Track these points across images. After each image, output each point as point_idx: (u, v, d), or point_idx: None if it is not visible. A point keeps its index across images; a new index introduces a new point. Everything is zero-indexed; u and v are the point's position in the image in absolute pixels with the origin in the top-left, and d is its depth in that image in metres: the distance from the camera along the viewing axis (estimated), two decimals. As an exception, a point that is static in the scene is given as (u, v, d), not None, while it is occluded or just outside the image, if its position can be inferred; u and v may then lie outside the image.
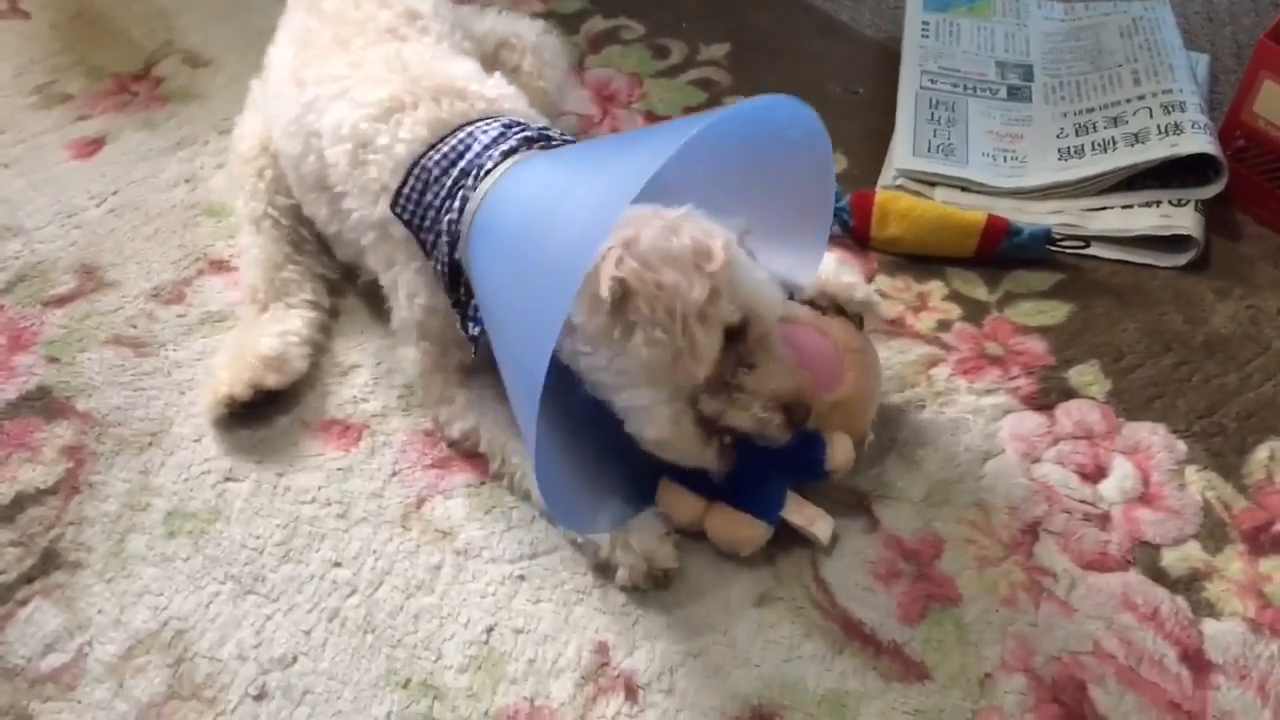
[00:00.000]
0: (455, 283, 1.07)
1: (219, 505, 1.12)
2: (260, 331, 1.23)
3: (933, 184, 1.45)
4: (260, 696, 0.98)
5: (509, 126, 1.08)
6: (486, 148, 1.05)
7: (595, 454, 1.06)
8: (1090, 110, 1.51)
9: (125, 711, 0.97)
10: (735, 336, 0.98)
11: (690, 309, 0.93)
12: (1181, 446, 1.16)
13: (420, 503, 1.12)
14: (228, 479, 1.15)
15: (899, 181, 1.45)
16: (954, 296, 1.33)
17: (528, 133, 1.07)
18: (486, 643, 1.01)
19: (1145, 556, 1.07)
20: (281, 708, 0.97)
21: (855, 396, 1.09)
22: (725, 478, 1.03)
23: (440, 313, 1.13)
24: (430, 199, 1.07)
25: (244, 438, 1.18)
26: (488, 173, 1.03)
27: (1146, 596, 1.04)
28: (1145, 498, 1.12)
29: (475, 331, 1.07)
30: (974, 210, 1.37)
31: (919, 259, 1.36)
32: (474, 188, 1.03)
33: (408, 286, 1.14)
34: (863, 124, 1.57)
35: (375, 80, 1.14)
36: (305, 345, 1.24)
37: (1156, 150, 1.39)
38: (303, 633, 1.02)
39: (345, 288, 1.34)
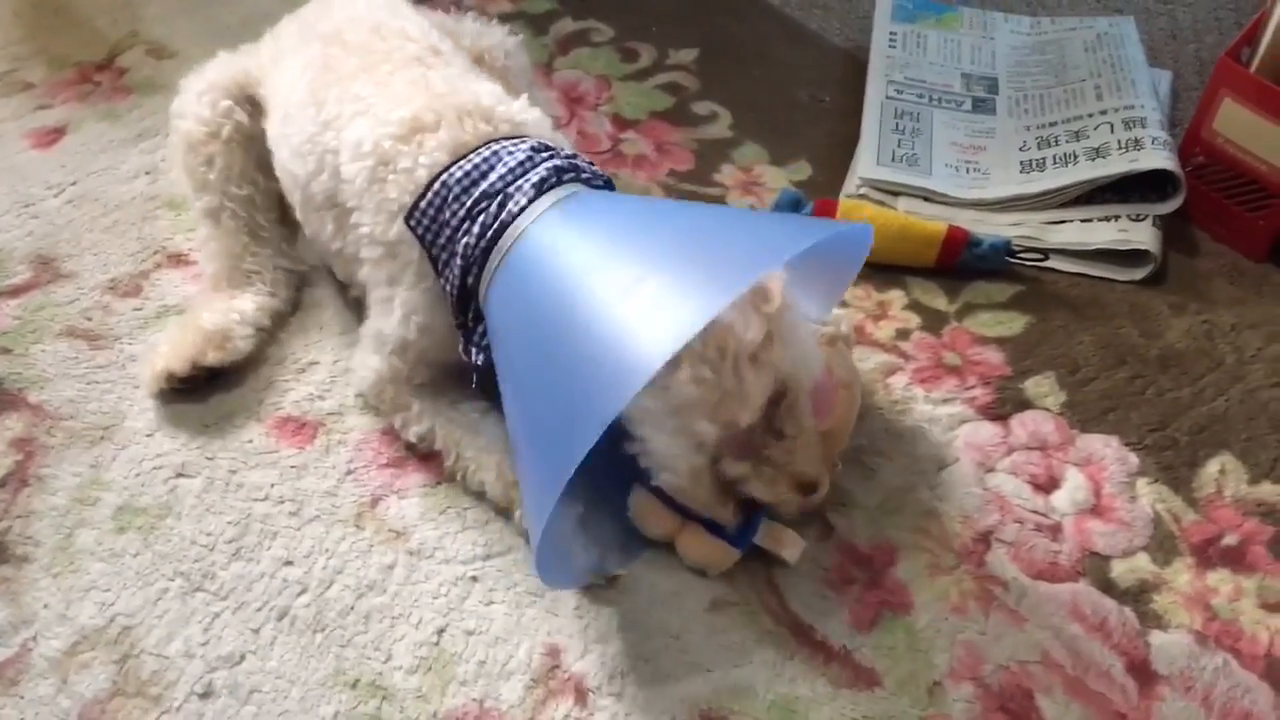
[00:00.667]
0: (464, 306, 1.05)
1: (170, 501, 1.11)
2: (207, 309, 1.23)
3: (896, 193, 1.46)
4: (206, 695, 0.97)
5: (537, 150, 1.05)
6: (513, 172, 1.02)
7: (588, 496, 1.06)
8: (1053, 124, 1.53)
9: (68, 708, 0.96)
10: (772, 400, 0.96)
11: (744, 349, 0.91)
12: (1133, 459, 1.18)
13: (374, 502, 1.11)
14: (180, 475, 1.14)
15: (862, 190, 1.46)
16: (914, 306, 1.34)
17: (557, 161, 1.03)
18: (437, 644, 1.00)
19: (1095, 567, 1.08)
20: (228, 706, 0.96)
21: (839, 429, 1.10)
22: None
23: (436, 333, 1.11)
24: (447, 217, 1.04)
25: (197, 432, 1.17)
26: (522, 209, 0.99)
27: (1095, 607, 1.05)
28: (1096, 509, 1.13)
29: (479, 360, 1.04)
30: (935, 221, 1.37)
31: (880, 268, 1.37)
32: (498, 216, 1.00)
33: (407, 305, 1.10)
34: (828, 132, 1.58)
35: (399, 99, 1.11)
36: (250, 327, 1.23)
37: (1116, 165, 1.41)
38: (251, 631, 1.01)
39: (310, 281, 1.33)
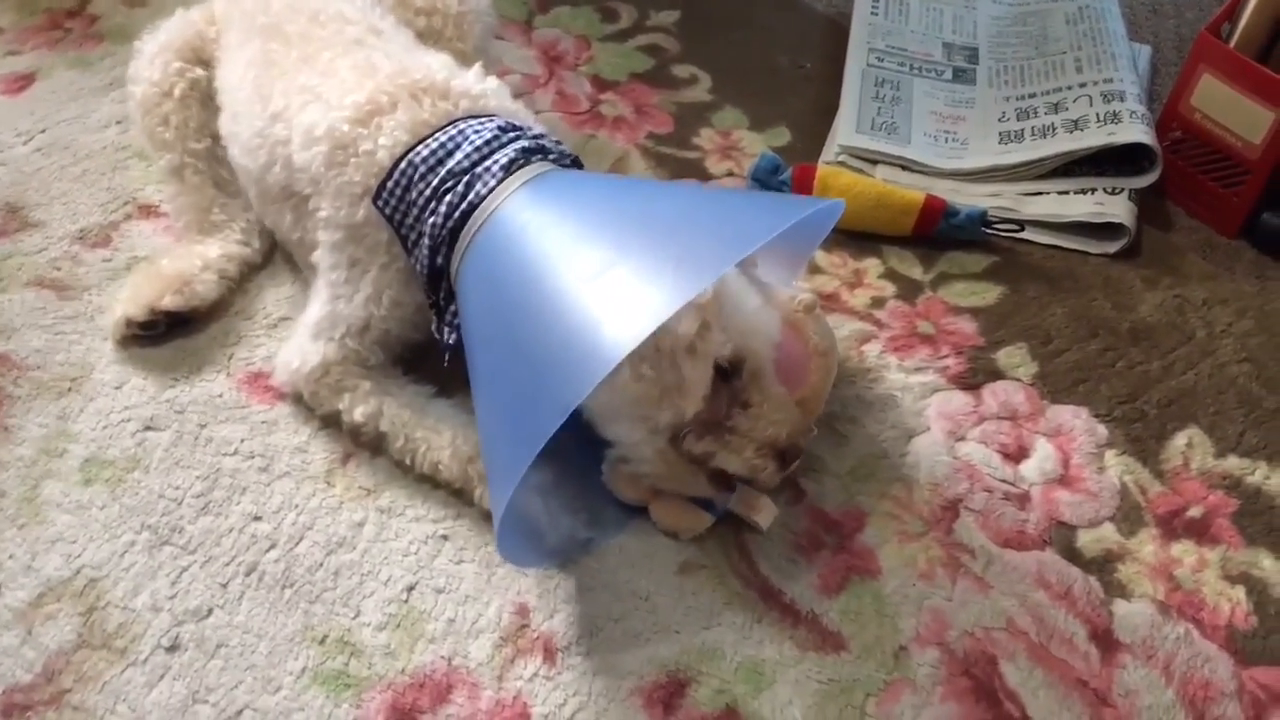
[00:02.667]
0: (435, 285, 1.04)
1: (138, 454, 1.10)
2: (169, 255, 1.23)
3: (874, 162, 1.45)
4: (173, 648, 0.97)
5: (504, 130, 1.04)
6: (479, 151, 1.01)
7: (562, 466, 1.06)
8: (1032, 95, 1.52)
9: (33, 659, 0.95)
10: (729, 372, 0.97)
11: (679, 343, 0.92)
12: (1102, 430, 1.18)
13: (345, 459, 1.11)
14: (148, 428, 1.13)
15: (841, 157, 1.45)
16: (889, 274, 1.34)
17: (524, 142, 1.03)
18: (406, 601, 1.00)
19: (1061, 537, 1.09)
20: (195, 660, 0.96)
21: (812, 396, 1.10)
22: None
23: (406, 310, 1.10)
24: (414, 197, 1.03)
25: (166, 386, 1.16)
26: (491, 190, 0.99)
27: (1060, 576, 1.06)
28: (1064, 479, 1.14)
29: (451, 339, 1.03)
30: (913, 190, 1.37)
31: (857, 235, 1.37)
32: (465, 196, 1.00)
33: (378, 284, 1.09)
34: (808, 98, 1.57)
35: (349, 84, 1.10)
36: (214, 273, 1.22)
37: (1094, 138, 1.41)
38: (219, 585, 1.01)
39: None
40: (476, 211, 0.99)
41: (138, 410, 1.14)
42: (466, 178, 1.01)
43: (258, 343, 1.21)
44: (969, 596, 1.03)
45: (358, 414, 1.09)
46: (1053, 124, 1.46)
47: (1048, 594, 1.04)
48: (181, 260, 1.22)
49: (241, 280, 1.26)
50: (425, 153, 1.04)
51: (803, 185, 1.37)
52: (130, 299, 1.17)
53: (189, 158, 1.28)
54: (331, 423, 1.13)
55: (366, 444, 1.11)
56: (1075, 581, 1.05)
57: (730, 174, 1.45)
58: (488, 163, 1.01)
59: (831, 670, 0.98)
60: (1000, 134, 1.48)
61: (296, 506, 1.07)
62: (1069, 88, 1.51)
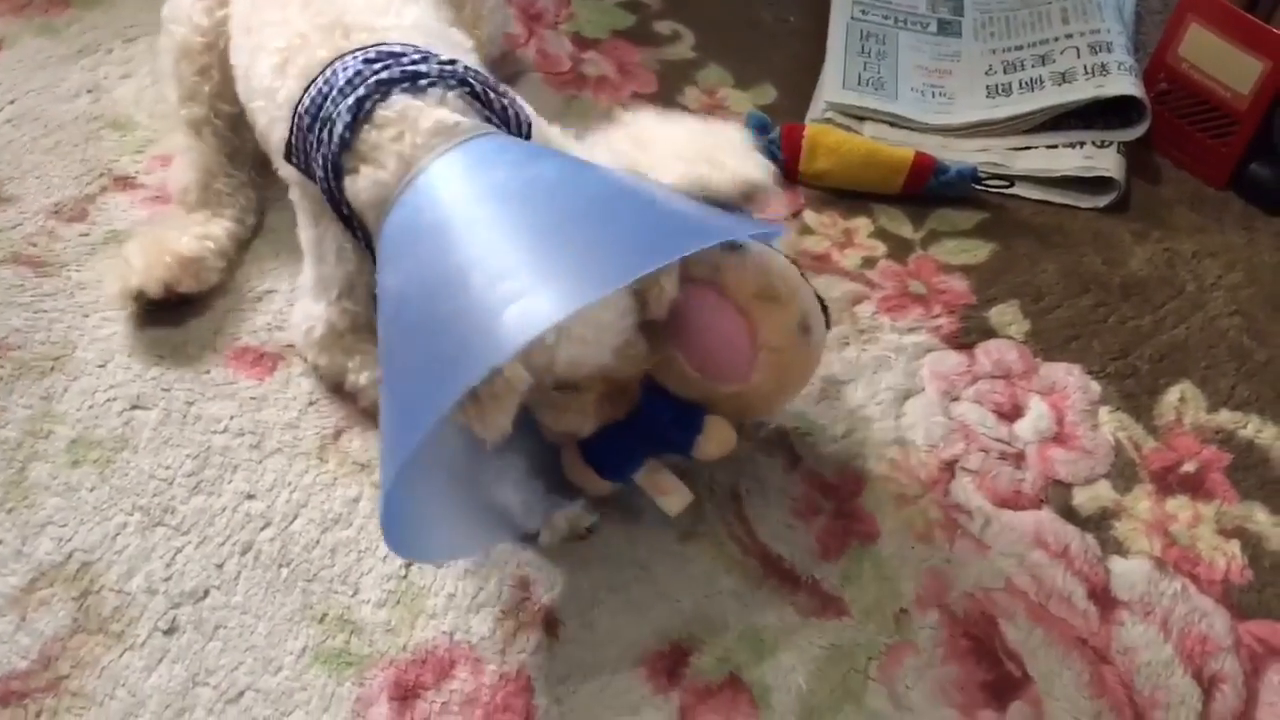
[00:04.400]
0: (354, 234, 1.02)
1: (126, 434, 1.09)
2: (181, 230, 1.19)
3: (862, 118, 1.44)
4: (171, 631, 0.96)
5: (371, 62, 0.97)
6: (342, 92, 0.95)
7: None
8: (1019, 48, 1.51)
9: (28, 645, 0.94)
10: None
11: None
12: (1095, 387, 1.19)
13: (338, 434, 1.09)
14: (135, 406, 1.11)
15: (828, 115, 1.44)
16: (880, 233, 1.33)
17: (389, 73, 0.95)
18: (405, 577, 1.00)
19: (1057, 495, 1.09)
20: (193, 642, 0.95)
21: (755, 394, 1.00)
22: None
23: (342, 249, 1.06)
24: (309, 148, 0.99)
25: (152, 363, 1.14)
26: (342, 136, 0.94)
27: (1057, 534, 1.06)
28: (1059, 437, 1.14)
29: None
30: (902, 147, 1.36)
31: (846, 194, 1.36)
32: (330, 144, 0.95)
33: (336, 238, 1.05)
34: (792, 53, 1.56)
35: (284, 25, 1.05)
36: (222, 258, 1.20)
37: (1082, 91, 1.40)
38: (215, 566, 1.00)
39: (268, 205, 1.29)
40: (339, 167, 0.96)
41: (123, 389, 1.12)
42: (329, 124, 0.96)
43: (243, 317, 1.19)
44: (967, 557, 1.04)
45: (363, 378, 1.07)
46: (1040, 77, 1.45)
47: (1045, 553, 1.05)
48: (195, 241, 1.18)
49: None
50: (308, 101, 0.98)
51: (791, 144, 1.35)
52: (147, 274, 1.13)
53: (215, 117, 1.24)
54: (322, 398, 1.11)
55: (367, 410, 1.09)
56: (1072, 540, 1.06)
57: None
58: (340, 106, 0.95)
59: (833, 635, 0.98)
60: (988, 88, 1.47)
61: (290, 484, 1.05)
62: (1055, 39, 1.50)
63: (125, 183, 1.31)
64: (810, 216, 1.34)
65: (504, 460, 1.01)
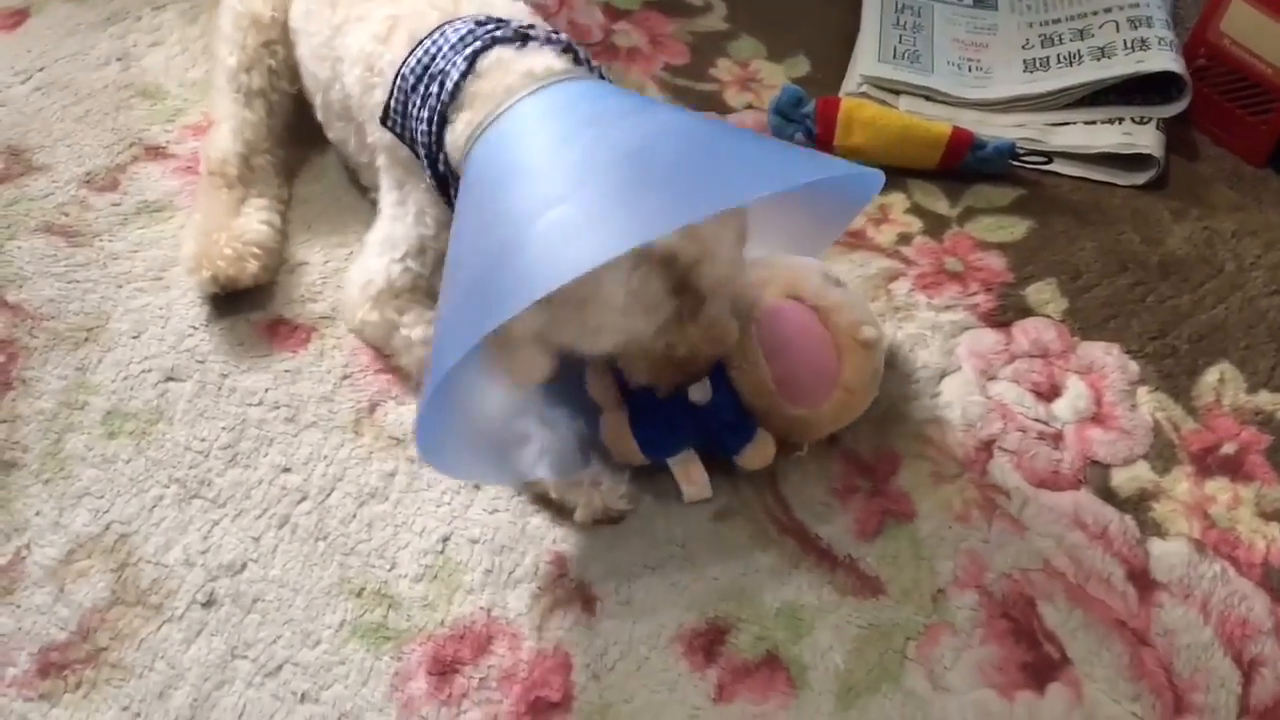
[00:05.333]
0: (448, 196, 1.03)
1: (161, 405, 1.08)
2: (245, 216, 1.19)
3: (897, 92, 1.42)
4: (209, 603, 0.96)
5: (481, 24, 1.00)
6: (454, 48, 0.98)
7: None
8: (1056, 21, 1.49)
9: (67, 617, 0.95)
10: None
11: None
12: (1134, 367, 1.17)
13: (373, 408, 1.09)
14: (169, 378, 1.10)
15: (863, 88, 1.42)
16: (915, 210, 1.31)
17: (499, 31, 0.98)
18: (442, 552, 0.99)
19: (1096, 476, 1.08)
20: (231, 615, 0.95)
21: (813, 422, 1.03)
22: (645, 394, 0.99)
23: (427, 213, 1.07)
24: (411, 110, 1.01)
25: (185, 335, 1.14)
26: (456, 84, 0.96)
27: (1096, 516, 1.05)
28: (1097, 418, 1.13)
29: None
30: (939, 122, 1.34)
31: (881, 169, 1.34)
32: (439, 97, 0.97)
33: (419, 203, 1.07)
34: (827, 25, 1.54)
35: (390, 4, 1.07)
36: (279, 240, 1.21)
37: (1122, 66, 1.38)
38: (252, 539, 1.00)
39: (296, 176, 1.29)
40: (444, 119, 0.97)
41: (157, 360, 1.12)
42: (440, 76, 0.97)
43: (276, 290, 1.18)
44: (1005, 538, 1.03)
45: (417, 332, 1.07)
46: (1079, 51, 1.43)
47: (1084, 534, 1.04)
48: (263, 225, 1.18)
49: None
50: (413, 62, 1.00)
51: (827, 118, 1.34)
52: (234, 263, 1.13)
53: (272, 94, 1.24)
54: (356, 370, 1.11)
55: (406, 370, 1.09)
56: (1111, 521, 1.05)
57: (750, 106, 1.42)
58: (456, 58, 0.97)
59: (870, 615, 0.98)
60: (1024, 62, 1.45)
61: (325, 457, 1.05)
62: (1094, 13, 1.47)
63: (156, 152, 1.30)
64: (845, 192, 1.32)
65: (547, 406, 1.04)
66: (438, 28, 1.02)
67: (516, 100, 0.91)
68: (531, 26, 1.01)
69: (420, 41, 1.01)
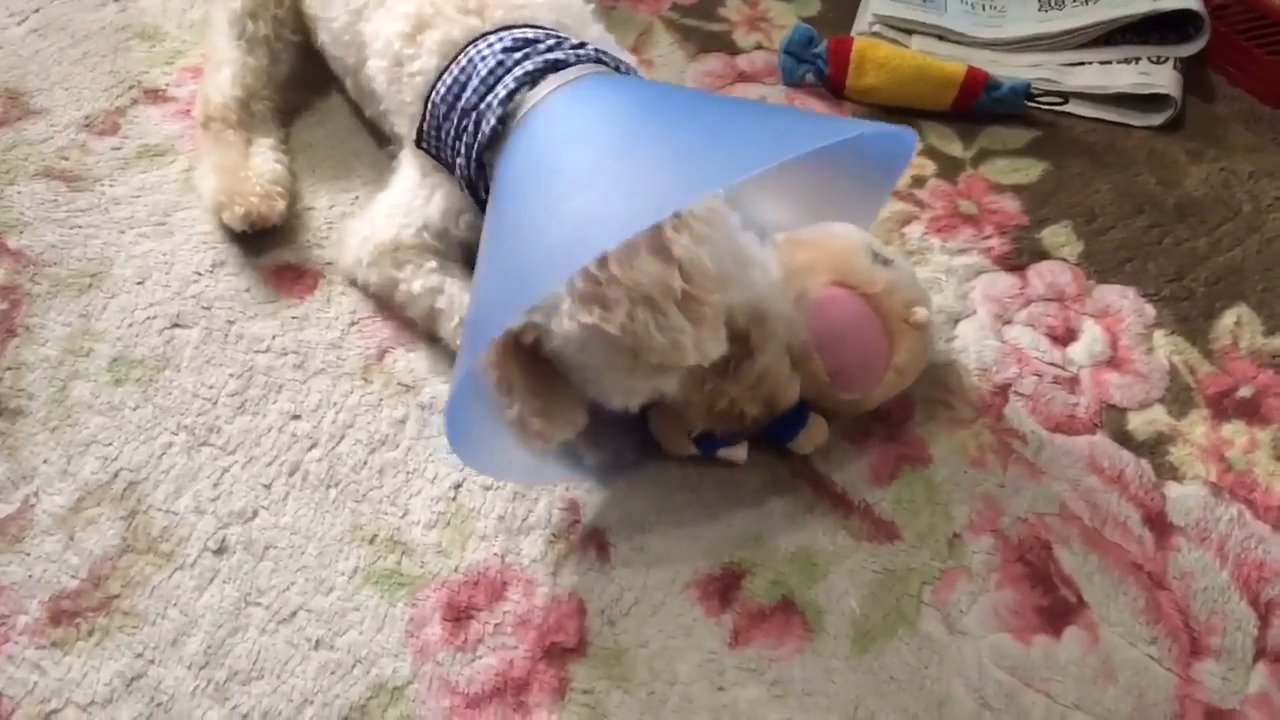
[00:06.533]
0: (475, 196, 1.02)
1: (167, 352, 1.07)
2: (260, 156, 1.18)
3: (910, 31, 1.40)
4: (221, 550, 0.95)
5: (510, 51, 0.96)
6: (485, 83, 0.95)
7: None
8: (1071, -41, 1.46)
9: (77, 565, 0.94)
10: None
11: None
12: (1150, 310, 1.16)
13: (381, 354, 1.08)
14: (175, 325, 1.09)
15: (875, 28, 1.39)
16: (929, 151, 1.29)
17: (530, 63, 0.94)
18: (454, 499, 0.99)
19: (1112, 420, 1.07)
20: (244, 562, 0.94)
21: (867, 404, 1.03)
22: None
23: (474, 227, 1.05)
24: (444, 136, 1.00)
25: (190, 281, 1.12)
26: (493, 127, 0.94)
27: (1112, 459, 1.05)
28: (1113, 361, 1.12)
29: None
30: (953, 62, 1.32)
31: (894, 111, 1.32)
32: (475, 136, 0.95)
33: (446, 201, 1.05)
34: (837, -36, 1.51)
35: None
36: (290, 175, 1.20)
37: (1139, 4, 1.36)
38: (262, 486, 0.99)
39: (299, 119, 1.27)
40: (487, 154, 0.96)
41: (162, 307, 1.10)
42: (475, 114, 0.96)
43: (281, 235, 1.16)
44: (1021, 482, 1.02)
45: (417, 285, 1.05)
46: (1095, -11, 1.40)
47: (1100, 478, 1.03)
48: (274, 165, 1.17)
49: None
50: (443, 90, 0.99)
51: (839, 58, 1.31)
52: (264, 200, 1.12)
53: (276, 42, 1.22)
54: (364, 317, 1.10)
55: (414, 321, 1.08)
56: (1127, 465, 1.04)
57: (759, 46, 1.40)
58: (489, 97, 0.95)
59: (886, 559, 0.97)
60: (1040, 1, 1.42)
61: (335, 404, 1.04)
62: (1110, -50, 1.44)
63: (156, 95, 1.28)
64: (857, 134, 1.30)
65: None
66: (466, 49, 0.99)
67: (545, 96, 0.91)
68: (558, 43, 0.97)
69: (448, 66, 0.99)
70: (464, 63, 0.98)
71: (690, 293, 0.81)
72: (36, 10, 1.35)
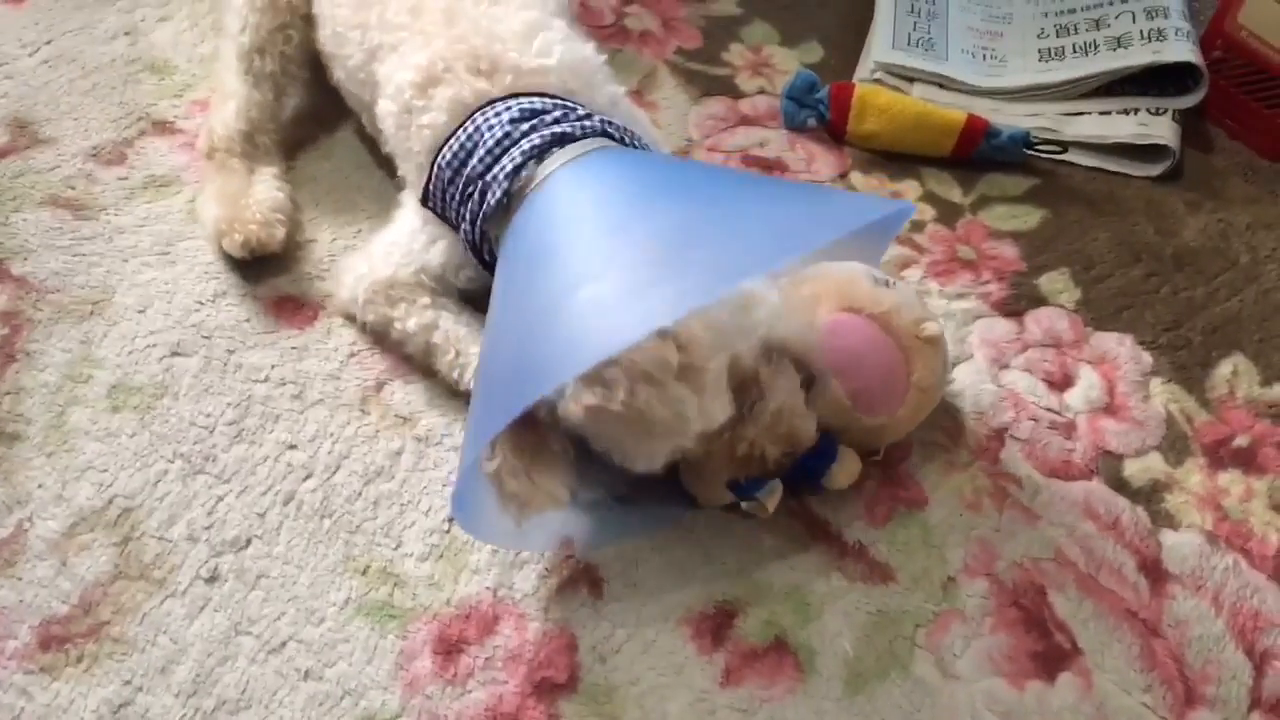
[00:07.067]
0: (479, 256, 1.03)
1: (166, 380, 1.07)
2: (262, 184, 1.19)
3: (911, 79, 1.41)
4: (212, 579, 0.95)
5: (517, 122, 0.97)
6: (491, 153, 0.96)
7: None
8: (1072, 11, 1.48)
9: (69, 590, 0.94)
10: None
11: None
12: (1147, 358, 1.16)
13: (379, 386, 1.08)
14: (175, 353, 1.09)
15: (877, 75, 1.41)
16: (928, 197, 1.30)
17: (537, 136, 0.95)
18: (448, 532, 0.98)
19: (1108, 466, 1.07)
20: (235, 591, 0.94)
21: (892, 427, 1.02)
22: None
23: (478, 282, 1.06)
24: (449, 200, 1.01)
25: (191, 310, 1.12)
26: (499, 200, 0.95)
27: (1108, 506, 1.04)
28: (1110, 408, 1.12)
29: None
30: (953, 109, 1.33)
31: (894, 157, 1.33)
32: (481, 206, 0.97)
33: (446, 255, 1.06)
34: (841, 11, 1.53)
35: (425, 36, 1.05)
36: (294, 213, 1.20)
37: (1139, 56, 1.37)
38: (256, 515, 0.99)
39: (303, 152, 1.28)
40: (490, 225, 0.97)
41: (163, 335, 1.10)
42: (480, 184, 0.97)
43: (283, 266, 1.17)
44: (1016, 527, 1.02)
45: (411, 323, 1.05)
46: (1095, 41, 1.42)
47: (1095, 524, 1.03)
48: (276, 193, 1.18)
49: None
50: (449, 155, 0.99)
51: (840, 104, 1.32)
52: (263, 226, 1.13)
53: (283, 77, 1.24)
54: (363, 349, 1.10)
55: (412, 357, 1.08)
56: (1123, 511, 1.04)
57: (762, 91, 1.41)
58: (495, 170, 0.96)
59: (880, 601, 0.97)
60: (1040, 51, 1.44)
61: (332, 435, 1.04)
62: (1110, 3, 1.46)
63: (164, 127, 1.29)
64: (857, 178, 1.31)
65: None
66: (474, 115, 0.99)
67: (552, 172, 0.92)
68: (564, 114, 0.98)
69: (455, 130, 1.00)
70: (471, 130, 0.99)
71: (688, 363, 0.83)
72: (48, 42, 1.37)
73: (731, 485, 0.97)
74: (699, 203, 0.87)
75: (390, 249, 1.08)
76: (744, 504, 0.98)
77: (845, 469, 1.00)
